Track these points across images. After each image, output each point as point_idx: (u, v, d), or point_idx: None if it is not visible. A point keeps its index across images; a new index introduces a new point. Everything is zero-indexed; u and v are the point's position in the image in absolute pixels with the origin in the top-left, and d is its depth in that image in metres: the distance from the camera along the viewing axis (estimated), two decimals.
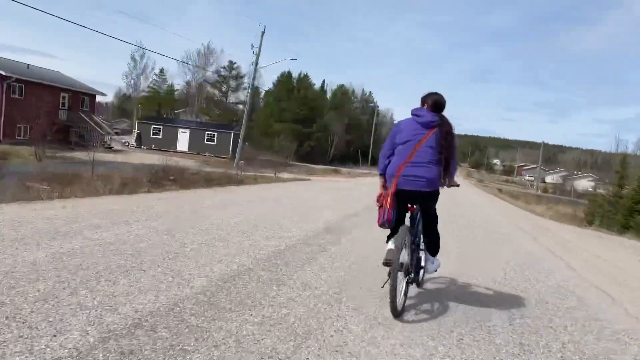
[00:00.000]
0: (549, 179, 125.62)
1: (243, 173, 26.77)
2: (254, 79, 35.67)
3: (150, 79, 58.90)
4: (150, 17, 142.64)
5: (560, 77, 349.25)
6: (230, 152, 42.34)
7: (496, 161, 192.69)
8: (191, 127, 45.62)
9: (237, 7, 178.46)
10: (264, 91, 68.94)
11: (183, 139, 44.60)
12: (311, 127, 61.77)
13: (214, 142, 44.14)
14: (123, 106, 69.33)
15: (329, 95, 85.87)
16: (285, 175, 32.37)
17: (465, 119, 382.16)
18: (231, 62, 54.58)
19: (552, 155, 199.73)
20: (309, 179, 25.82)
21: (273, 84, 65.25)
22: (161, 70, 57.40)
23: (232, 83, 54.61)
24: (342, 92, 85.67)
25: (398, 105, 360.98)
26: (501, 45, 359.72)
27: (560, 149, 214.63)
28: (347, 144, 78.37)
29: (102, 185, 12.71)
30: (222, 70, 53.36)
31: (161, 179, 23.72)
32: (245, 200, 11.40)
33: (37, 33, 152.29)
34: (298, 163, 54.88)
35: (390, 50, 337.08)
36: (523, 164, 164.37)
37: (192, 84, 58.63)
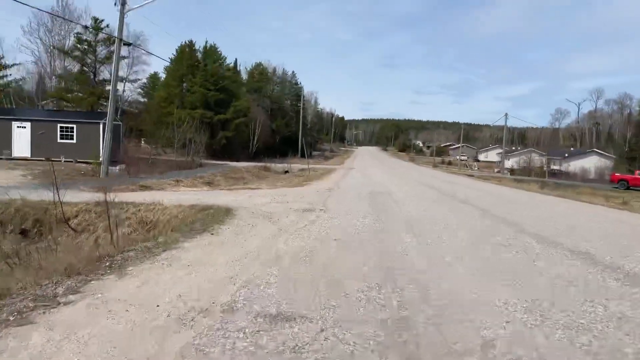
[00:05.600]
0: (481, 157, 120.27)
1: (113, 195, 12.12)
2: (121, 23, 20.40)
3: None
4: None
5: (462, 60, 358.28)
6: (102, 152, 26.56)
7: (418, 142, 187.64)
8: (34, 118, 28.90)
9: None
10: (162, 74, 52.59)
11: (22, 139, 27.94)
12: (226, 113, 46.71)
13: (72, 139, 27.94)
14: None
15: (244, 77, 70.86)
16: (183, 190, 17.70)
17: (379, 103, 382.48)
18: (96, 20, 36.85)
19: (467, 133, 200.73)
20: (227, 209, 11.45)
21: (170, 59, 49.03)
22: None
23: (102, 50, 37.33)
24: (260, 72, 70.92)
25: (317, 91, 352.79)
26: (408, 32, 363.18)
27: (470, 126, 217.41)
28: (271, 133, 64.07)
29: None
30: (83, 32, 35.99)
31: None
32: None
33: None
34: (213, 161, 39.95)
35: (302, 41, 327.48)
36: (448, 143, 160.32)
37: (45, 59, 40.50)
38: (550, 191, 22.06)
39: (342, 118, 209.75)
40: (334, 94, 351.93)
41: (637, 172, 40.74)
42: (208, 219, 9.00)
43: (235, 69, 69.94)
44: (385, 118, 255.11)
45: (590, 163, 56.93)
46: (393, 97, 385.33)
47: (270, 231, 7.76)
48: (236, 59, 77.20)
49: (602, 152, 62.94)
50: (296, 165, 42.27)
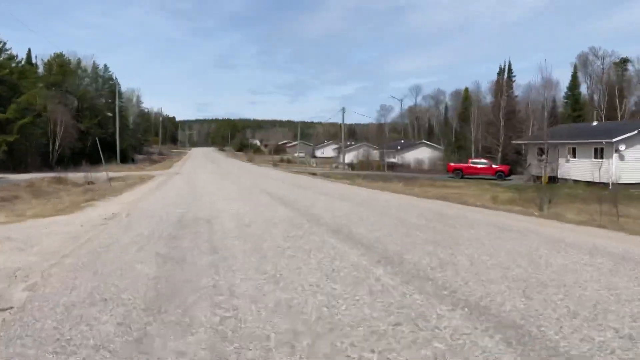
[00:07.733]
0: (318, 153, 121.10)
1: None
2: None
3: None
4: None
5: (296, 61, 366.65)
6: None
7: (255, 141, 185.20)
8: None
9: None
10: None
11: None
12: (5, 111, 35.94)
13: None
14: None
15: (42, 71, 58.30)
16: None
17: (215, 104, 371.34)
18: None
19: (302, 131, 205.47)
20: None
21: None
22: None
23: None
24: (61, 64, 58.83)
25: (147, 92, 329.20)
26: (241, 32, 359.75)
27: (305, 124, 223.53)
28: (80, 136, 53.19)
29: None
30: None
31: None
32: None
33: None
34: None
35: (126, 39, 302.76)
36: (285, 141, 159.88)
37: None
38: (426, 189, 18.84)
39: (174, 118, 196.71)
40: (167, 94, 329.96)
41: (470, 160, 41.93)
42: None
43: (29, 62, 57.20)
44: (221, 118, 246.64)
45: (422, 154, 58.82)
46: (229, 98, 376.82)
47: None
48: (29, 49, 63.77)
49: (429, 143, 65.98)
50: (111, 173, 33.90)
